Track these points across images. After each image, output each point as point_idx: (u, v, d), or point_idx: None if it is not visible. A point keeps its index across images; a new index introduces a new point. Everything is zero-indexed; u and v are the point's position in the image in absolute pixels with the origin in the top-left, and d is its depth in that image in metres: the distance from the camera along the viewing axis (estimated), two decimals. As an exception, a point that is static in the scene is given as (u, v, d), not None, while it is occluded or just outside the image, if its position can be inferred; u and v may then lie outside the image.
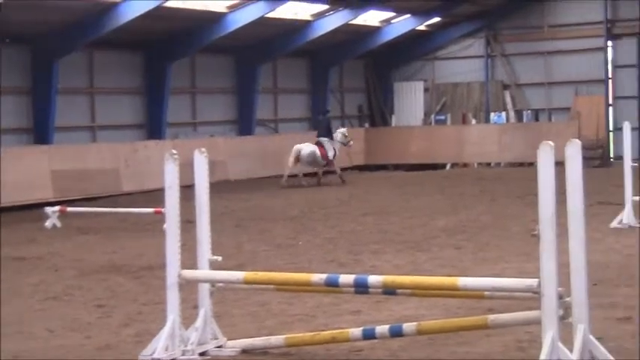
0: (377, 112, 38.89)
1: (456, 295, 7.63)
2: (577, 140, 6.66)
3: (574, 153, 6.59)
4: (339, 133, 29.04)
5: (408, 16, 35.09)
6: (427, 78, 38.87)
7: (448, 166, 34.97)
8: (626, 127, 15.84)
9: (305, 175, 28.01)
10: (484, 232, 15.81)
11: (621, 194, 15.75)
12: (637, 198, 15.70)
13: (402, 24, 35.49)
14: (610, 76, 36.06)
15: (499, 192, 23.15)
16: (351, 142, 29.26)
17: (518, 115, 37.33)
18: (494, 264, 12.33)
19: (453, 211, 19.35)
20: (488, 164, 34.72)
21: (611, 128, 35.73)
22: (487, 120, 37.31)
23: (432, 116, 38.15)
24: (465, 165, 34.83)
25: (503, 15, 37.27)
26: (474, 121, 37.21)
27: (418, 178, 29.17)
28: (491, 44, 37.85)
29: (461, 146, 34.68)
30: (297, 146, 27.51)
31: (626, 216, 15.37)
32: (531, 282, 6.47)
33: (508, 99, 37.62)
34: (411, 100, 39.06)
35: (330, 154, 27.93)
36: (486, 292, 6.93)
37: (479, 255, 13.28)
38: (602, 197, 19.61)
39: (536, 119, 36.96)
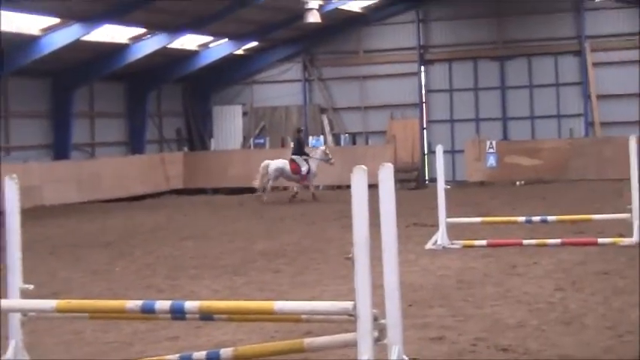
0: (196, 135, 38.71)
1: (273, 319, 7.65)
2: (389, 164, 6.82)
3: (387, 177, 6.75)
4: (319, 150, 29.66)
5: (226, 40, 35.18)
6: (246, 102, 39.04)
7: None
8: (439, 150, 16.32)
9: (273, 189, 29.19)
10: (303, 255, 15.93)
11: (436, 216, 16.21)
12: (450, 220, 16.20)
13: (220, 48, 35.55)
14: (424, 100, 37.23)
15: (317, 215, 23.41)
16: (333, 160, 29.35)
17: (336, 138, 37.99)
18: (312, 287, 12.43)
19: (272, 234, 19.44)
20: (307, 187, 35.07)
21: (425, 151, 36.84)
22: (306, 144, 37.73)
23: (251, 140, 38.30)
24: (285, 188, 35.05)
25: (320, 40, 37.90)
26: (292, 145, 37.51)
27: (237, 202, 29.17)
28: (308, 68, 38.41)
29: (280, 170, 34.88)
30: (266, 161, 28.46)
31: (440, 237, 15.81)
32: (347, 305, 6.54)
33: (326, 122, 38.23)
34: (229, 124, 39.12)
35: (304, 169, 28.36)
36: (303, 316, 6.96)
37: (298, 278, 13.36)
38: (418, 219, 20.18)
39: (354, 142, 37.69)
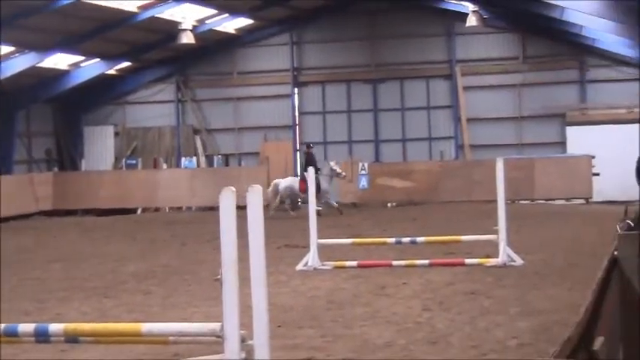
0: (66, 156, 38.00)
1: (140, 342, 7.59)
2: (258, 186, 6.88)
3: (255, 199, 6.80)
4: (327, 166, 29.15)
5: (98, 59, 34.72)
6: (118, 122, 38.58)
7: (139, 211, 34.69)
8: (311, 172, 16.49)
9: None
10: (174, 276, 15.82)
11: (307, 237, 16.33)
12: (321, 241, 16.34)
13: (92, 67, 35.04)
14: (297, 122, 37.48)
15: (190, 236, 23.28)
16: (344, 174, 29.04)
17: (209, 159, 37.86)
18: (183, 309, 12.37)
19: (144, 256, 19.24)
20: (180, 208, 34.85)
21: (298, 173, 36.99)
22: (178, 164, 37.49)
23: (123, 161, 37.83)
24: (157, 209, 34.75)
25: (194, 60, 37.79)
26: (165, 166, 37.27)
27: (109, 223, 28.75)
28: (182, 89, 38.23)
29: (152, 191, 34.51)
30: (276, 180, 28.42)
31: (311, 258, 15.93)
32: (215, 326, 6.56)
33: (199, 144, 38.08)
34: (101, 145, 38.57)
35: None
36: (171, 338, 6.94)
37: (168, 300, 13.27)
38: (290, 240, 20.29)
39: (227, 164, 37.62)
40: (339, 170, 29.30)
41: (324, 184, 28.44)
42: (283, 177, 35.47)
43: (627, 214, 5.56)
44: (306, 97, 37.66)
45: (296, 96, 37.58)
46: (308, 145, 30.61)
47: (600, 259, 4.71)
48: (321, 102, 37.41)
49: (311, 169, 17.09)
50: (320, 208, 16.79)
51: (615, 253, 4.44)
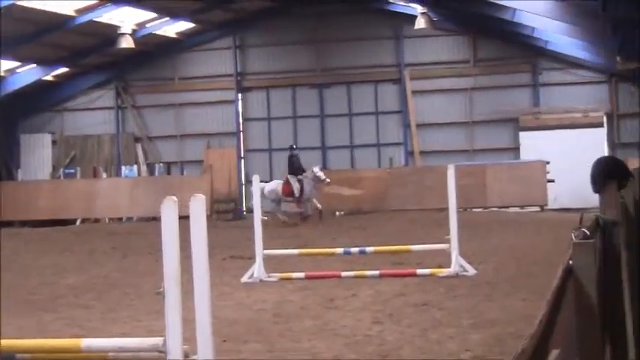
0: (1, 165, 37.48)
1: (80, 358, 7.47)
2: (201, 195, 6.83)
3: (198, 208, 6.75)
4: (310, 171, 28.74)
5: (34, 65, 34.32)
6: (55, 130, 38.19)
7: (78, 222, 34.33)
8: (256, 180, 16.43)
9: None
10: (115, 290, 15.68)
11: (253, 248, 16.28)
12: (267, 251, 16.29)
13: (28, 73, 34.63)
14: (241, 128, 37.39)
15: (131, 248, 23.10)
16: (328, 180, 28.71)
17: (150, 168, 37.63)
18: (124, 323, 12.25)
19: (83, 268, 19.04)
20: (120, 219, 34.55)
21: (243, 181, 36.94)
22: (118, 174, 37.21)
23: (61, 170, 37.43)
24: (97, 220, 34.43)
25: (134, 66, 37.54)
26: (104, 175, 36.95)
27: (47, 235, 28.41)
28: (121, 95, 37.95)
29: (92, 201, 34.17)
30: (261, 184, 26.59)
31: (257, 270, 15.88)
32: (156, 341, 6.50)
33: (140, 152, 37.83)
34: (38, 153, 38.13)
35: (296, 191, 27.64)
36: (110, 353, 6.85)
37: (109, 314, 13.14)
38: (235, 251, 20.21)
39: (168, 172, 37.41)
40: (322, 176, 29.03)
41: (306, 189, 28.32)
42: (228, 185, 35.43)
43: (582, 222, 5.58)
44: (251, 103, 37.59)
45: (240, 102, 37.49)
46: (291, 147, 30.50)
47: (555, 269, 4.74)
48: (266, 108, 37.36)
49: (256, 177, 17.01)
50: (266, 218, 16.72)
51: (570, 262, 4.46)
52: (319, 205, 28.95)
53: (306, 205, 28.60)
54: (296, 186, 28.15)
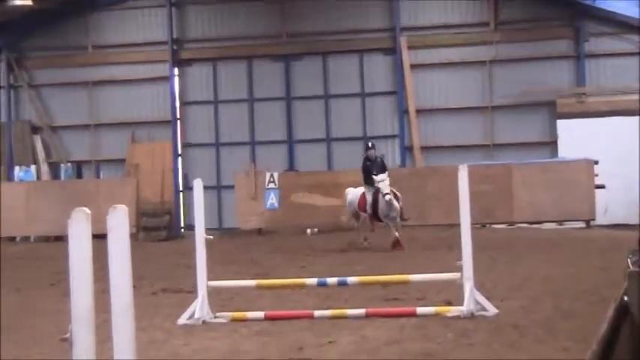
0: None
1: None
2: (123, 206, 6.80)
3: (119, 224, 6.73)
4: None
5: None
6: None
7: (-46, 244, 34.20)
8: (198, 185, 16.37)
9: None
10: (6, 334, 15.61)
11: (194, 278, 16.22)
12: (214, 283, 16.24)
13: None
14: (178, 115, 37.30)
15: (27, 278, 23.00)
16: (388, 194, 26.94)
17: (54, 169, 37.49)
18: (17, 381, 12.20)
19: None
20: (14, 239, 34.40)
21: (180, 187, 36.87)
22: (10, 177, 37.05)
23: None
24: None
25: (32, 31, 37.36)
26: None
27: None
28: (14, 71, 37.80)
29: (-28, 214, 34.04)
30: (347, 189, 29.28)
31: (200, 308, 15.81)
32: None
33: (39, 147, 37.68)
34: None
35: (368, 207, 27.66)
36: None
37: (-2, 368, 13.09)
38: (169, 282, 20.15)
39: (79, 176, 37.27)
40: (384, 188, 27.11)
41: (382, 204, 27.13)
42: (160, 193, 35.35)
43: (642, 243, 5.58)
44: (191, 81, 37.55)
45: (176, 79, 37.42)
46: (367, 147, 28.68)
47: (605, 306, 4.75)
48: (212, 87, 37.32)
49: (198, 181, 16.99)
50: (212, 237, 16.67)
51: (625, 297, 4.48)
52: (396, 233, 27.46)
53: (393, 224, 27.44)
54: (369, 199, 27.65)
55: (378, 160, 27.91)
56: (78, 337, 6.47)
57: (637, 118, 33.19)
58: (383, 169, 27.56)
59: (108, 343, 6.66)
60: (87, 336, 6.48)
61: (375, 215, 27.60)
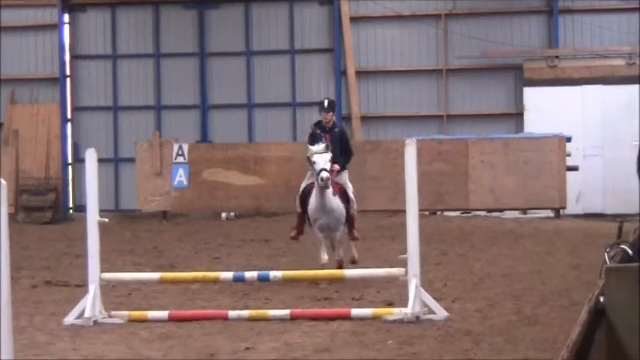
0: None
1: None
2: (1, 181, 6.79)
3: (-5, 200, 6.72)
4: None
5: None
6: None
7: None
8: (91, 157, 16.33)
9: None
10: None
11: (84, 269, 16.18)
12: (108, 275, 16.22)
13: None
14: (68, 72, 37.11)
15: None
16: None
17: None
18: None
19: None
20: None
21: (70, 159, 36.68)
22: None
23: None
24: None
25: None
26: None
27: None
28: None
29: None
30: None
31: (90, 305, 15.80)
32: None
33: None
34: None
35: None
36: None
37: None
38: (55, 274, 20.12)
39: (-54, 143, 37.05)
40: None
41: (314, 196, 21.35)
42: (44, 166, 35.18)
43: (623, 236, 5.63)
44: (85, 30, 37.32)
45: (66, 27, 37.20)
46: (323, 106, 22.03)
47: (575, 311, 4.83)
48: (110, 38, 37.14)
49: (91, 152, 16.89)
50: (106, 220, 16.61)
51: (601, 298, 4.52)
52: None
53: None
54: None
55: (336, 130, 21.94)
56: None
57: (618, 87, 33.42)
58: (338, 146, 21.42)
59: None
60: (-46, 336, 6.48)
61: (303, 215, 21.64)
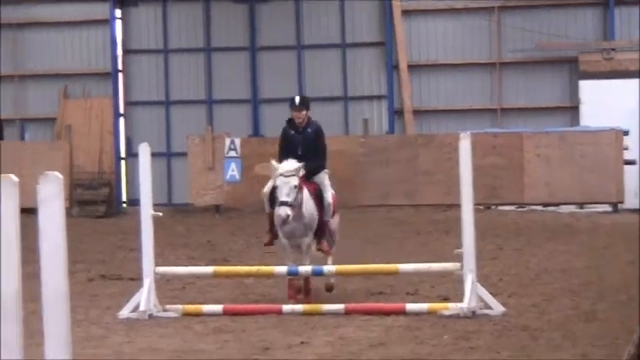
0: None
1: None
2: (55, 174, 6.78)
3: (51, 194, 6.71)
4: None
5: None
6: None
7: None
8: (144, 151, 16.35)
9: None
10: None
11: (138, 263, 16.21)
12: (163, 269, 16.26)
13: None
14: (120, 67, 37.21)
15: None
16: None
17: (-33, 128, 37.40)
18: None
19: None
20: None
21: (123, 154, 36.79)
22: None
23: None
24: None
25: None
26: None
27: None
28: None
29: None
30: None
31: (145, 299, 15.84)
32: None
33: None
34: None
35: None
36: None
37: None
38: (109, 268, 20.17)
39: (0, 137, 37.17)
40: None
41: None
42: (97, 160, 35.33)
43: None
44: (137, 25, 37.42)
45: (118, 22, 37.30)
46: (294, 104, 19.68)
47: (634, 307, 4.79)
48: (161, 33, 37.21)
49: (144, 146, 16.91)
50: (160, 214, 16.63)
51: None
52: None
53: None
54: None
55: (309, 131, 19.65)
56: (1, 332, 6.47)
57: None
58: (313, 148, 19.35)
59: (37, 338, 6.65)
60: (12, 330, 6.47)
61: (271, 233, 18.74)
